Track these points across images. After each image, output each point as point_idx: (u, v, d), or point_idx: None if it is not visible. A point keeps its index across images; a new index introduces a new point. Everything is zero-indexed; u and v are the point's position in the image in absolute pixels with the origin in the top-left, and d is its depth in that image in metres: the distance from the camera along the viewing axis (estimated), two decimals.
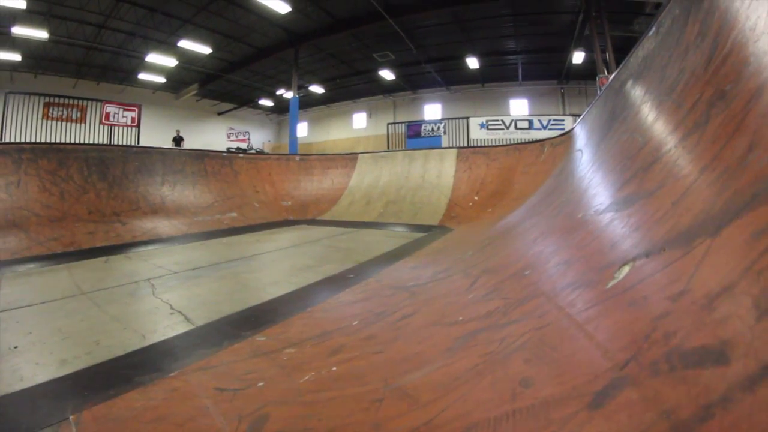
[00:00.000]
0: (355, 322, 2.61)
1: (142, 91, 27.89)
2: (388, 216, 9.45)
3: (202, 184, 10.22)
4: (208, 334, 2.76)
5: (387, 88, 29.71)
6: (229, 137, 32.36)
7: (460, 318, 1.85)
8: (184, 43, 20.71)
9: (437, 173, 10.15)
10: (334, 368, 1.97)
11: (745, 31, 1.25)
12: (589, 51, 17.75)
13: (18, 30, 17.25)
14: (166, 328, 2.88)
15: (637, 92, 2.74)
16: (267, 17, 18.65)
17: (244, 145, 30.82)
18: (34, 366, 2.34)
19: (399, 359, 1.73)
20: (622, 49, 16.61)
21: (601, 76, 14.08)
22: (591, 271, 1.08)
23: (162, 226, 8.19)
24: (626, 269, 0.98)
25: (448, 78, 26.43)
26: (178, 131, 21.28)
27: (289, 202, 11.27)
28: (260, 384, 1.97)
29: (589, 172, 2.61)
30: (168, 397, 1.92)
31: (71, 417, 1.75)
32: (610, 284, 0.97)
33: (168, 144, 19.43)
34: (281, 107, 34.93)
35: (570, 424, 0.72)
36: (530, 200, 5.35)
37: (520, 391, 0.90)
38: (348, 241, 6.70)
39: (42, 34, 17.90)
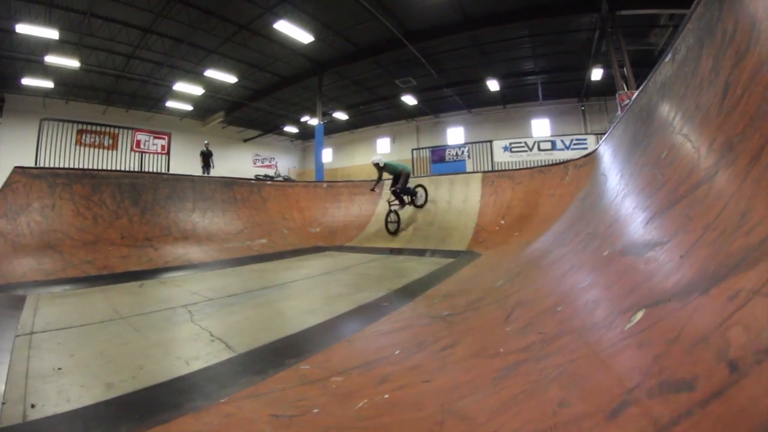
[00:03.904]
0: (397, 352, 2.63)
1: (170, 118, 28.51)
2: (416, 242, 9.47)
3: (232, 211, 10.41)
4: (251, 362, 2.81)
5: (410, 113, 29.81)
6: (255, 163, 32.43)
7: (501, 350, 1.94)
8: (211, 73, 21.17)
9: (463, 198, 10.15)
10: (387, 396, 1.99)
11: (758, 75, 1.34)
12: (607, 67, 17.74)
13: (50, 59, 17.94)
14: (208, 354, 2.95)
15: (656, 122, 2.79)
16: (290, 47, 19.00)
17: (270, 171, 30.93)
18: (79, 388, 2.41)
19: (449, 387, 1.80)
20: (640, 63, 16.49)
21: (620, 92, 13.97)
22: (613, 313, 1.26)
23: (193, 252, 8.34)
24: (640, 314, 1.16)
25: (470, 101, 26.52)
26: (206, 144, 20.58)
27: (318, 229, 11.34)
28: (315, 411, 1.97)
29: (613, 204, 2.70)
30: (224, 423, 1.96)
31: None
32: (627, 327, 1.17)
33: (196, 168, 19.37)
34: (305, 133, 35.29)
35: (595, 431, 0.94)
36: (556, 225, 5.35)
37: (559, 410, 1.12)
38: (378, 268, 6.73)
39: (74, 63, 18.58)
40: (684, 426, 0.79)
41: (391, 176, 10.77)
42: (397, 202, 10.51)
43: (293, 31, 16.82)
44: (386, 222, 10.31)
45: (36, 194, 7.42)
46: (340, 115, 29.62)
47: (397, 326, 3.37)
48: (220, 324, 3.76)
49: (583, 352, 1.23)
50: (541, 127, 26.31)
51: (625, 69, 14.52)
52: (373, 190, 11.34)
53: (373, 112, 30.13)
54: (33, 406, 2.19)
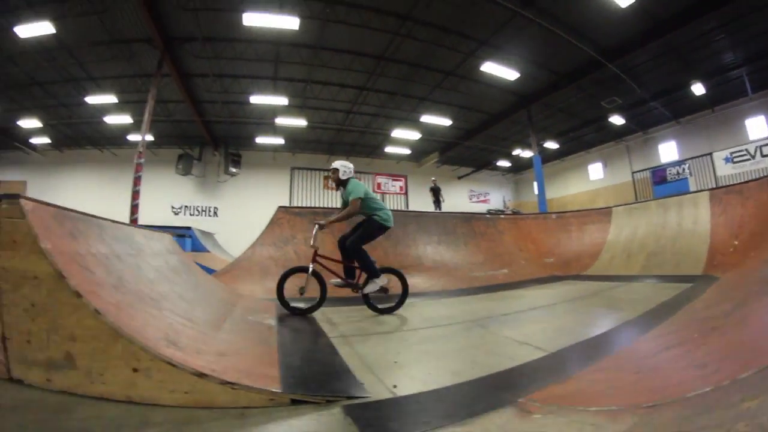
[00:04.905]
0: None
1: (386, 162, 31.53)
2: (651, 268, 9.41)
3: (473, 244, 11.56)
4: (566, 357, 3.33)
5: (617, 133, 28.83)
6: (470, 199, 34.66)
7: None
8: (426, 118, 23.37)
9: (693, 220, 9.80)
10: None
11: None
12: None
13: (280, 120, 22.37)
14: (525, 353, 3.42)
15: None
16: (497, 85, 20.19)
17: (491, 206, 33.12)
18: (425, 375, 2.92)
19: None
20: None
21: None
22: None
23: (442, 281, 9.36)
24: None
25: (676, 109, 25.03)
26: (434, 180, 22.80)
27: (552, 259, 11.84)
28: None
29: None
30: (591, 384, 2.50)
31: (521, 400, 2.25)
32: None
33: (422, 205, 20.59)
34: (516, 166, 36.01)
35: None
36: None
37: None
38: (624, 293, 7.06)
39: (301, 122, 22.68)
40: None
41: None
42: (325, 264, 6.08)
43: (498, 70, 17.99)
44: (280, 287, 5.65)
45: (299, 228, 9.19)
46: (551, 144, 29.72)
47: (672, 330, 3.72)
48: (518, 333, 4.25)
49: None
50: (757, 126, 22.93)
51: None
52: (322, 227, 6.10)
53: (581, 137, 29.80)
54: (395, 386, 2.61)
